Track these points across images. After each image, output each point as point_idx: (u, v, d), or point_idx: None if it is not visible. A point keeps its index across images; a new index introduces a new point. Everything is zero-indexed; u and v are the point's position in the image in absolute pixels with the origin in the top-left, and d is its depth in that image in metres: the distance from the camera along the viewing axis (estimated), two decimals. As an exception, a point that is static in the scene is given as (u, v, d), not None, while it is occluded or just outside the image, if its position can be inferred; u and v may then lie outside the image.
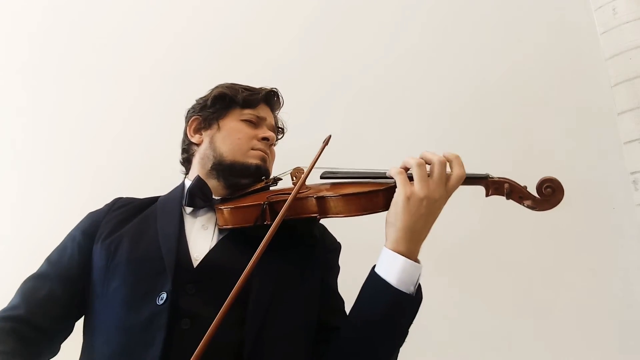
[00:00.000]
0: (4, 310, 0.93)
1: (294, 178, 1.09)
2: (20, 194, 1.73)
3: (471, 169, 1.90)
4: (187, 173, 1.17)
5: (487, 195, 0.94)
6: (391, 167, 0.89)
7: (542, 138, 1.89)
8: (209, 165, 1.08)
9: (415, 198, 0.83)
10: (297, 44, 1.91)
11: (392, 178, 0.88)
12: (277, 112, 1.21)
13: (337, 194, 0.89)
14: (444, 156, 0.89)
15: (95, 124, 1.80)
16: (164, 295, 0.86)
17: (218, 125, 1.11)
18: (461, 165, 0.89)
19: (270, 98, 1.17)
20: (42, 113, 1.80)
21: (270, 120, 1.16)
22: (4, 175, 1.74)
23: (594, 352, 1.72)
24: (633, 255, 1.80)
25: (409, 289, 0.83)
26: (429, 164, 0.87)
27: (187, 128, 1.16)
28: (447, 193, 0.87)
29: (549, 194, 0.89)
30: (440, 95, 1.90)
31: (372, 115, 1.86)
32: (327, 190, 0.95)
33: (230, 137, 1.08)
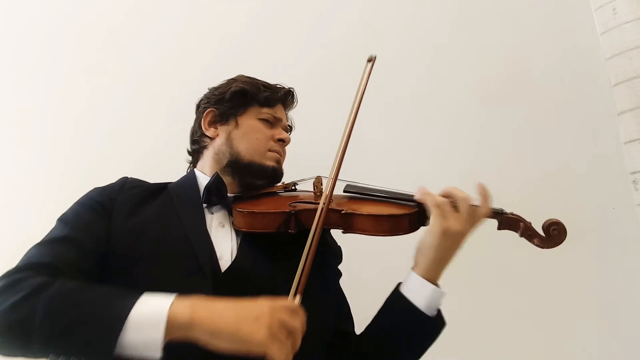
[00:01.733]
0: (28, 265, 0.80)
1: (315, 188, 1.07)
2: (20, 191, 1.72)
3: (470, 169, 1.91)
4: (192, 162, 1.14)
5: (499, 228, 0.99)
6: (425, 195, 0.94)
7: (541, 138, 1.89)
8: (225, 161, 1.06)
9: (451, 233, 0.89)
10: (309, 44, 1.90)
11: (417, 202, 0.94)
12: (289, 111, 1.19)
13: (367, 213, 0.92)
14: (479, 190, 0.95)
15: (93, 118, 1.79)
16: None
17: (236, 121, 1.08)
18: (490, 202, 0.95)
19: (287, 98, 1.15)
20: (40, 109, 1.80)
21: (284, 120, 1.15)
22: (4, 174, 1.74)
23: (593, 352, 1.72)
24: (633, 255, 1.80)
25: (432, 313, 0.91)
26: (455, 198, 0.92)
27: (202, 120, 1.11)
28: (474, 227, 0.93)
29: (555, 235, 0.98)
30: (439, 95, 1.90)
31: (386, 121, 1.85)
32: (353, 206, 0.96)
33: (249, 136, 1.07)
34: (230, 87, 1.11)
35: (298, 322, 0.73)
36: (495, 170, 1.82)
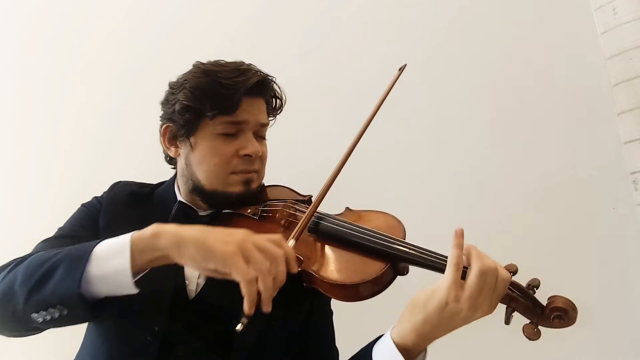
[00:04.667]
0: (22, 256, 0.82)
1: (283, 221, 0.91)
2: (20, 191, 1.73)
3: (470, 169, 1.89)
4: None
5: None
6: (455, 242, 0.72)
7: (541, 138, 1.89)
8: (190, 186, 0.96)
9: (455, 308, 0.69)
10: (308, 43, 1.90)
11: (392, 253, 0.79)
12: (268, 95, 1.01)
13: (325, 279, 0.78)
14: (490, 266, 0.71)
15: (92, 118, 1.80)
16: (156, 328, 0.83)
17: (190, 143, 0.94)
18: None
19: (254, 90, 0.93)
20: (39, 109, 1.80)
21: (256, 116, 0.95)
22: (4, 173, 1.75)
23: (593, 353, 1.72)
24: (633, 255, 1.80)
25: None
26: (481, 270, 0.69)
27: (161, 137, 0.99)
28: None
29: (555, 324, 0.74)
30: (437, 93, 1.90)
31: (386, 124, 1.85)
32: (315, 255, 0.84)
33: (206, 162, 0.92)
34: (177, 98, 0.93)
35: (280, 250, 0.67)
36: (493, 170, 1.82)
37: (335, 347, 1.00)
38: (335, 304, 1.05)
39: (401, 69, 0.95)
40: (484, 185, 1.80)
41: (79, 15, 1.87)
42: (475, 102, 1.90)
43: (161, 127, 0.99)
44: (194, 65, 0.98)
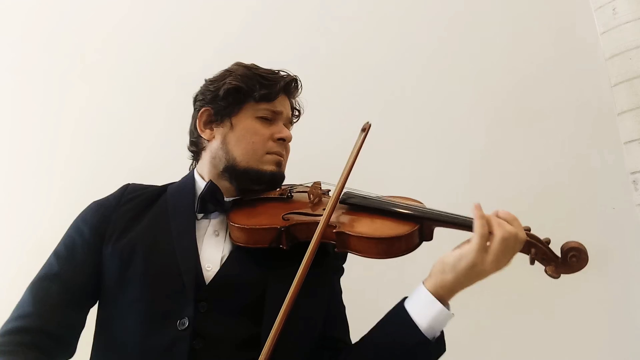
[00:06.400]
0: (16, 318, 0.87)
1: (312, 196, 1.00)
2: (20, 191, 1.73)
3: (471, 169, 1.89)
4: (194, 160, 1.11)
5: None
6: (478, 214, 0.82)
7: (541, 138, 1.89)
8: (221, 167, 1.01)
9: (481, 268, 0.81)
10: (309, 42, 1.90)
11: (419, 217, 0.88)
12: (294, 99, 1.12)
13: (360, 235, 0.86)
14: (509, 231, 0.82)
15: (93, 118, 1.79)
16: (186, 321, 0.84)
17: (231, 122, 1.02)
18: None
19: (289, 88, 1.07)
20: (39, 109, 1.80)
21: (286, 111, 1.07)
22: (4, 174, 1.74)
23: (593, 354, 1.72)
24: (633, 255, 1.80)
25: (434, 334, 0.84)
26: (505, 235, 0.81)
27: (197, 120, 1.05)
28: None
29: (573, 263, 0.88)
30: (439, 93, 1.89)
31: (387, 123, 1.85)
32: (348, 221, 0.91)
33: (245, 140, 1.00)
34: (224, 83, 1.02)
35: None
36: (493, 170, 1.82)
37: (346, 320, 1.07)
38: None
39: (365, 130, 0.97)
40: (483, 185, 1.80)
41: (80, 14, 1.87)
42: (475, 102, 1.90)
43: (198, 111, 1.06)
44: (232, 65, 1.09)
